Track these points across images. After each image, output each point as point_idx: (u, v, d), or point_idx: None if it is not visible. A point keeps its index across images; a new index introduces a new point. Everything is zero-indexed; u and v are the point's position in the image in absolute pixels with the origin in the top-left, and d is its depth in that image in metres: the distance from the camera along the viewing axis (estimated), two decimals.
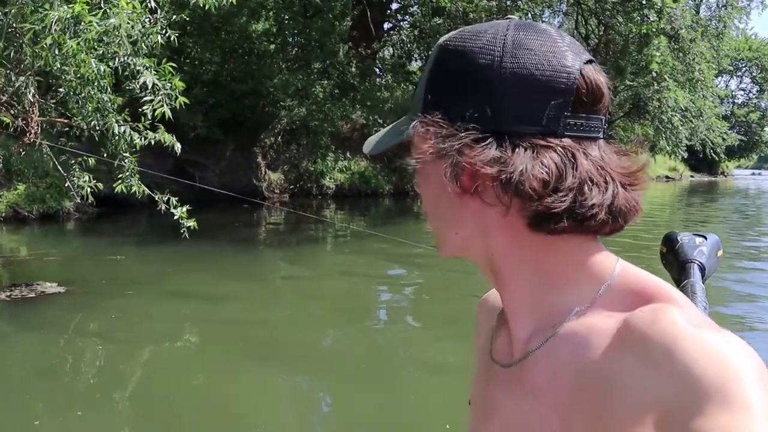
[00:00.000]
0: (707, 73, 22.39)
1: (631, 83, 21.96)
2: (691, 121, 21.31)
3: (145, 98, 4.97)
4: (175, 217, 5.63)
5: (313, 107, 16.00)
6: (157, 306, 5.96)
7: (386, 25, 23.13)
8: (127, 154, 5.49)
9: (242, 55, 14.83)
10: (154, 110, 4.95)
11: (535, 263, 0.67)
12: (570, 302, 0.66)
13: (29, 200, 11.45)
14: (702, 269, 1.04)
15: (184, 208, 5.66)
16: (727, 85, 50.40)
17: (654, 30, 13.80)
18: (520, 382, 0.69)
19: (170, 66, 5.30)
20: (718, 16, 29.07)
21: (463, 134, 0.64)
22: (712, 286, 7.15)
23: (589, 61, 0.66)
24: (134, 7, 5.32)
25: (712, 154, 31.53)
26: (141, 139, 5.44)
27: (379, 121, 18.16)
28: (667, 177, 37.99)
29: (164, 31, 5.68)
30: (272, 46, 15.36)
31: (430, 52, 0.71)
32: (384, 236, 9.33)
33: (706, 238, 1.08)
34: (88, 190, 6.08)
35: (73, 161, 6.35)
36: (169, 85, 5.07)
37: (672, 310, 0.59)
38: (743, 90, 52.07)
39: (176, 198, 5.82)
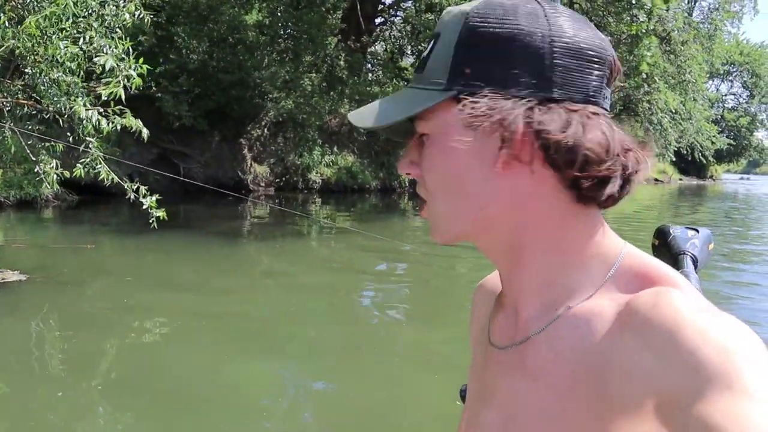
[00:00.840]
0: (698, 75, 22.44)
1: (622, 84, 21.92)
2: (680, 124, 21.31)
3: (103, 79, 4.80)
4: (144, 207, 5.44)
5: (301, 100, 15.83)
6: (118, 295, 5.80)
7: (378, 20, 23.02)
8: (93, 139, 5.28)
9: (230, 45, 14.62)
10: (111, 92, 4.75)
11: (560, 238, 0.68)
12: (578, 284, 0.67)
13: (6, 186, 11.23)
14: (695, 261, 1.05)
15: (154, 198, 5.48)
16: (717, 89, 50.58)
17: (644, 30, 13.73)
18: (521, 364, 0.69)
19: (130, 45, 5.14)
20: (710, 18, 29.12)
21: (519, 101, 0.63)
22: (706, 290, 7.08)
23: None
24: None
25: (701, 157, 31.58)
26: (108, 124, 5.24)
27: None
28: (656, 180, 38.02)
29: (138, 11, 5.50)
30: (262, 38, 15.14)
31: (438, 26, 0.70)
32: (366, 233, 9.20)
33: (698, 231, 1.10)
34: (54, 176, 5.87)
35: (40, 146, 6.15)
36: (133, 66, 4.88)
37: (674, 294, 0.59)
38: (734, 95, 52.32)
39: (146, 187, 5.61)
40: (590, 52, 0.65)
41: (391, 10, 24.18)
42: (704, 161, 32.76)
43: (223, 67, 14.48)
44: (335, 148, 18.16)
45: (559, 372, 0.65)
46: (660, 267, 0.66)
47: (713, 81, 48.26)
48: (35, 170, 6.17)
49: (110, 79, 4.85)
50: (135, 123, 5.28)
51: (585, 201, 0.66)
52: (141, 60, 5.09)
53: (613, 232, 0.70)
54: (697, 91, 22.99)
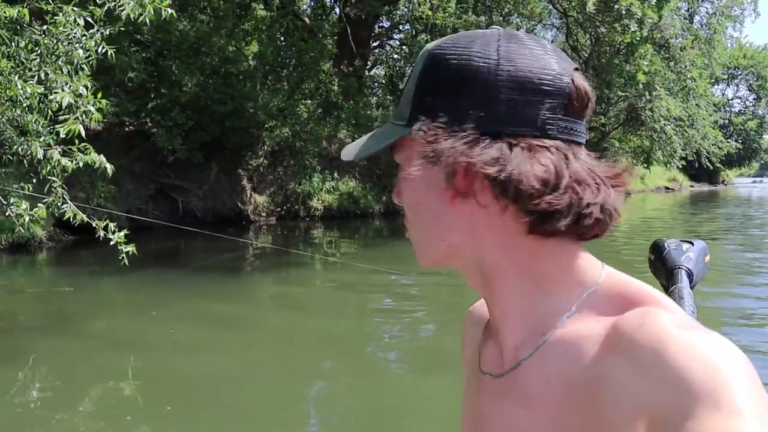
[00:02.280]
0: (699, 80, 22.16)
1: (624, 93, 21.73)
2: (685, 131, 20.98)
3: (60, 117, 4.63)
4: (112, 243, 5.25)
5: (296, 127, 15.72)
6: (81, 346, 5.55)
7: (375, 43, 23.01)
8: (56, 178, 5.10)
9: (223, 76, 14.57)
10: (69, 130, 4.58)
11: (526, 266, 0.68)
12: (559, 308, 0.67)
13: None
14: (690, 275, 1.05)
15: (122, 233, 5.30)
16: (723, 94, 50.16)
17: (638, 39, 13.53)
18: (512, 392, 0.69)
19: (89, 82, 4.98)
20: (708, 23, 28.88)
21: (460, 136, 0.65)
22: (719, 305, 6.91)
23: (576, 69, 0.68)
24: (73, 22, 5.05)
25: (708, 163, 31.21)
26: (72, 162, 5.07)
27: None
28: (666, 188, 37.59)
29: (100, 47, 5.35)
30: (254, 66, 15.10)
31: (414, 61, 0.77)
32: (363, 266, 8.98)
33: (693, 244, 1.09)
34: (27, 218, 5.68)
35: (9, 188, 5.99)
36: (91, 102, 4.72)
37: (660, 313, 0.60)
38: (740, 98, 51.85)
39: (117, 227, 5.42)
40: (541, 83, 0.65)
41: (389, 33, 24.22)
42: (710, 167, 32.30)
43: (217, 98, 14.41)
44: (336, 174, 17.98)
45: (551, 398, 0.64)
46: (644, 287, 0.66)
47: (719, 85, 47.91)
48: (6, 213, 6.00)
49: (68, 116, 4.67)
50: (98, 159, 5.11)
51: (536, 233, 0.66)
52: (99, 95, 4.92)
53: (591, 257, 0.69)
54: (700, 96, 22.70)
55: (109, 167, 5.16)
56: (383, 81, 25.02)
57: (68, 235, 12.47)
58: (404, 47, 23.40)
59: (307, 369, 5.04)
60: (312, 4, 20.97)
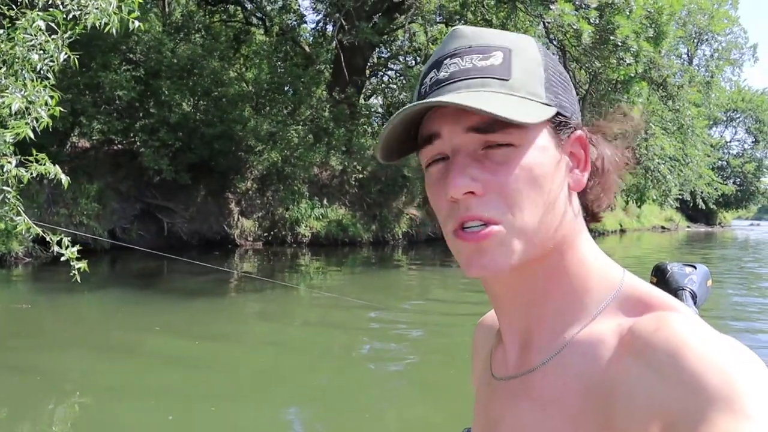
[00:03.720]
0: (696, 120, 22.09)
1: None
2: (680, 171, 20.85)
3: (9, 122, 4.43)
4: (63, 258, 5.02)
5: (286, 152, 15.57)
6: (22, 365, 5.26)
7: (371, 71, 23.02)
8: (9, 188, 4.87)
9: (213, 98, 14.45)
10: (16, 133, 4.37)
11: (576, 263, 0.69)
12: (582, 310, 0.68)
13: None
14: (694, 297, 1.04)
15: (74, 249, 5.06)
16: (721, 136, 50.27)
17: (633, 75, 13.42)
18: (528, 395, 0.69)
19: (44, 85, 4.78)
20: (706, 65, 28.98)
21: (586, 128, 0.70)
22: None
23: None
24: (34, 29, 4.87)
25: (703, 203, 31.10)
26: (28, 173, 4.85)
27: (357, 168, 17.70)
28: (662, 227, 37.44)
29: (62, 53, 5.16)
30: (246, 90, 15.00)
31: (495, 41, 0.70)
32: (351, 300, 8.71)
33: (695, 268, 1.09)
34: None
35: None
36: (45, 102, 4.52)
37: (676, 317, 0.60)
38: (738, 141, 51.96)
39: (69, 238, 5.18)
40: (570, 81, 0.73)
41: (388, 62, 24.26)
42: (706, 207, 32.18)
43: (206, 120, 14.28)
44: (325, 201, 17.78)
45: (567, 400, 0.64)
46: (659, 293, 0.67)
47: (717, 127, 48.06)
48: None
49: (18, 122, 4.46)
50: (54, 170, 4.88)
51: (595, 219, 0.73)
52: (54, 100, 4.70)
53: (611, 259, 0.71)
54: (697, 137, 22.62)
55: (65, 179, 4.94)
56: (380, 110, 25.03)
57: (45, 251, 12.24)
58: (402, 78, 23.42)
59: (279, 408, 4.77)
60: (314, 32, 21.03)
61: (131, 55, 13.34)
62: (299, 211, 16.83)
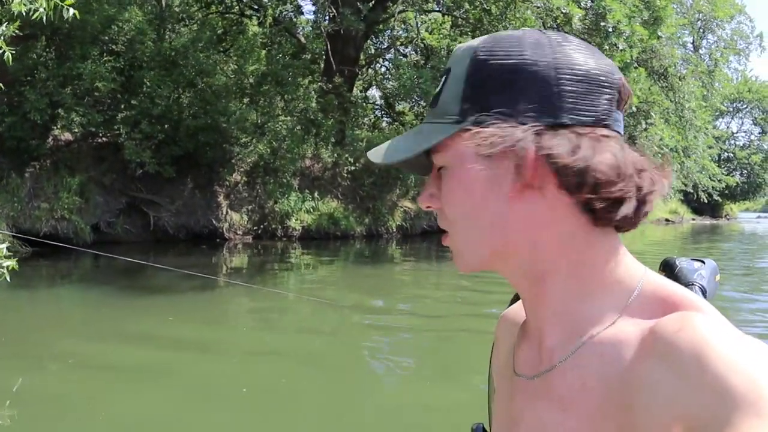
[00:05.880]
0: (698, 111, 21.66)
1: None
2: (681, 162, 20.40)
3: None
4: None
5: (274, 144, 15.28)
6: None
7: (367, 63, 22.68)
8: None
9: (198, 90, 14.15)
10: None
11: (580, 265, 0.68)
12: (601, 310, 0.67)
13: None
14: (704, 292, 1.00)
15: (3, 247, 4.78)
16: (728, 127, 49.68)
17: (628, 61, 13.02)
18: (548, 394, 0.69)
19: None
20: (711, 55, 28.43)
21: (527, 127, 0.65)
22: None
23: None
24: None
25: (705, 196, 30.59)
26: None
27: (349, 160, 17.40)
28: (666, 220, 36.91)
29: None
30: (231, 81, 14.69)
31: (449, 62, 0.73)
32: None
33: (704, 263, 1.05)
34: None
35: None
36: None
37: (699, 318, 0.59)
38: (744, 132, 51.29)
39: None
40: (599, 77, 0.67)
41: (384, 53, 23.93)
42: (708, 200, 31.67)
43: (191, 112, 13.99)
44: (316, 194, 17.48)
45: (587, 401, 0.64)
46: (682, 292, 0.66)
47: (723, 118, 47.46)
48: None
49: None
50: None
51: (601, 223, 0.67)
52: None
53: (632, 257, 0.70)
54: (699, 128, 22.18)
55: None
56: (378, 102, 24.73)
57: (26, 246, 12.01)
58: (398, 68, 23.10)
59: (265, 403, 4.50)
60: (311, 23, 20.69)
61: (113, 46, 13.04)
62: (289, 204, 16.55)
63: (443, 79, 0.72)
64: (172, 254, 14.30)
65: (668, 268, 1.07)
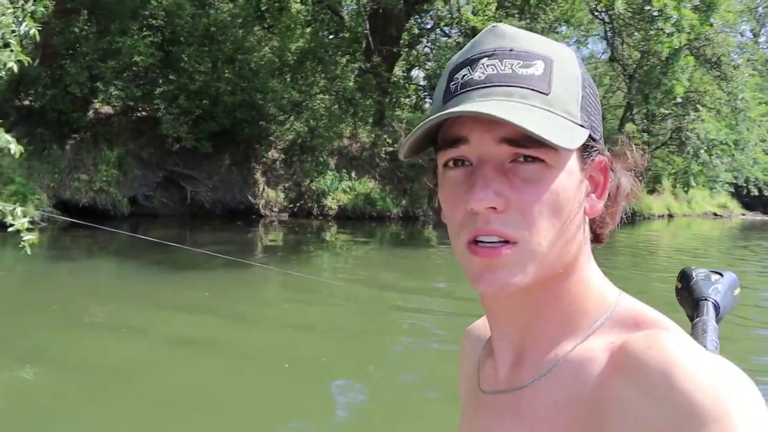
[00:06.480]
0: (751, 102, 20.78)
1: (669, 111, 20.53)
2: (731, 155, 19.67)
3: None
4: (10, 230, 4.84)
5: (312, 122, 15.27)
6: None
7: (409, 43, 22.42)
8: None
9: (236, 66, 14.20)
10: None
11: (579, 283, 0.69)
12: (578, 329, 0.68)
13: None
14: (716, 307, 1.01)
15: (25, 220, 4.85)
16: None
17: (676, 47, 12.51)
18: (517, 412, 0.69)
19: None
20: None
21: (603, 147, 0.70)
22: None
23: None
24: None
25: (757, 191, 29.41)
26: None
27: (388, 140, 17.30)
28: (715, 214, 35.78)
29: (23, 22, 4.95)
30: (268, 58, 14.69)
31: (543, 50, 0.67)
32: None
33: (722, 276, 1.05)
34: None
35: None
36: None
37: (667, 336, 0.61)
38: None
39: (22, 208, 4.99)
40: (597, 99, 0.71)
41: (428, 34, 23.60)
42: (759, 193, 30.40)
43: (228, 89, 14.06)
44: (353, 173, 17.45)
45: (557, 419, 0.64)
46: (651, 312, 0.67)
47: None
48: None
49: None
50: (4, 139, 4.66)
51: (598, 241, 0.73)
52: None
53: (608, 279, 0.72)
54: (753, 120, 21.29)
55: (15, 148, 4.71)
56: (422, 83, 24.45)
57: (63, 215, 12.29)
58: (440, 49, 22.78)
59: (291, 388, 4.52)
60: (355, 1, 20.51)
61: (152, 21, 13.16)
62: (325, 183, 16.57)
63: (542, 66, 0.65)
64: (207, 229, 14.49)
65: (684, 279, 1.08)
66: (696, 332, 0.96)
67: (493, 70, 0.65)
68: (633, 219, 24.20)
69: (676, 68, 13.65)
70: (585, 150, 0.67)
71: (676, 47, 12.31)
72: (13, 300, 6.54)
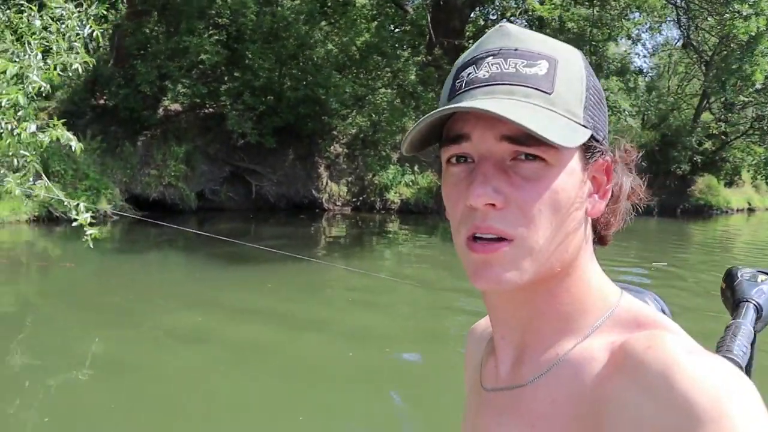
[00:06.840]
0: None
1: (750, 98, 19.53)
2: None
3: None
4: (74, 224, 5.03)
5: (373, 116, 15.30)
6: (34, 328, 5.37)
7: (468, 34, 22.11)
8: (27, 153, 4.89)
9: (299, 62, 14.37)
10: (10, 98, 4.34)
11: (580, 283, 0.69)
12: (578, 328, 0.68)
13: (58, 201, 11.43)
14: (759, 309, 0.94)
15: (88, 215, 5.02)
16: None
17: (753, 33, 11.83)
18: (517, 410, 0.69)
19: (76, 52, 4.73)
20: None
21: (608, 148, 0.70)
22: None
23: None
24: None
25: None
26: (46, 138, 4.85)
27: None
28: None
29: (87, 25, 5.12)
30: (332, 53, 14.78)
31: (547, 50, 0.68)
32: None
33: None
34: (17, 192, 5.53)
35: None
36: (35, 73, 4.46)
37: (666, 336, 0.61)
38: None
39: (85, 203, 5.17)
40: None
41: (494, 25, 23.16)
42: None
43: (291, 85, 14.24)
44: (416, 167, 17.41)
45: (556, 418, 0.65)
46: (652, 313, 0.68)
47: None
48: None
49: (15, 86, 4.44)
50: (66, 136, 4.84)
51: (603, 242, 0.73)
52: (53, 67, 4.63)
53: (609, 279, 0.72)
54: None
55: (76, 145, 4.88)
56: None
57: (134, 209, 12.74)
58: None
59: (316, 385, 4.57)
60: None
61: (218, 20, 13.46)
62: (388, 177, 16.58)
63: (546, 65, 0.66)
64: (272, 223, 14.76)
65: (729, 279, 1.03)
66: (726, 335, 0.90)
67: (497, 68, 0.66)
68: (709, 213, 23.16)
69: (757, 53, 12.91)
70: (588, 150, 0.67)
71: (753, 33, 11.61)
72: (82, 294, 6.81)
